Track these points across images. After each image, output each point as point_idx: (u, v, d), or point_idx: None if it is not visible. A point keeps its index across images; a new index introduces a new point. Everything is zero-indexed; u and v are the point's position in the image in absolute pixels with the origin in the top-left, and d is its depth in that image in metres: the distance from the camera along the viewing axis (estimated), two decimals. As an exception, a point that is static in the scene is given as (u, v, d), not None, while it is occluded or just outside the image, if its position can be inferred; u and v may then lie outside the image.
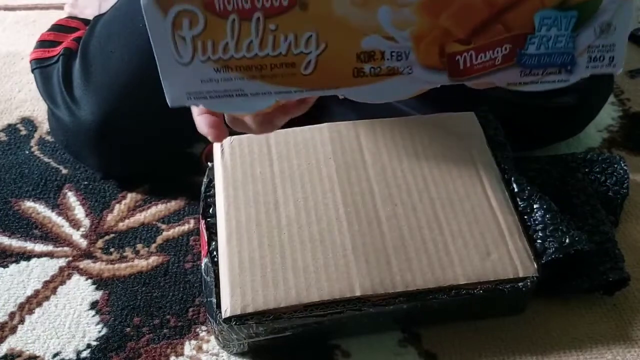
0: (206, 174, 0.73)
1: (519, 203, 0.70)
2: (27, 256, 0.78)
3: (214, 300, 0.63)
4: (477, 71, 0.39)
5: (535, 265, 0.64)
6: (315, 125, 0.74)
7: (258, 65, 0.40)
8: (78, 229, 0.81)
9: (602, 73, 0.39)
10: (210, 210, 0.70)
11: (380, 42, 0.39)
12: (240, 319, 0.61)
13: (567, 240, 0.68)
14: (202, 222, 0.69)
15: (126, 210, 0.84)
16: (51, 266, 0.77)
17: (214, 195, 0.71)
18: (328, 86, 0.41)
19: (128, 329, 0.70)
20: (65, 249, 0.79)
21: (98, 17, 0.90)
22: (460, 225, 0.67)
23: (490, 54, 0.39)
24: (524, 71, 0.39)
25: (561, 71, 0.39)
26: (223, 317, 0.61)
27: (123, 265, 0.77)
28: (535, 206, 0.70)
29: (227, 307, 0.61)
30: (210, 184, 0.72)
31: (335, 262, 0.63)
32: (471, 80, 0.40)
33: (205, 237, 0.68)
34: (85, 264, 0.77)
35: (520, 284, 0.64)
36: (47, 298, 0.73)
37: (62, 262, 0.77)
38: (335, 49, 0.39)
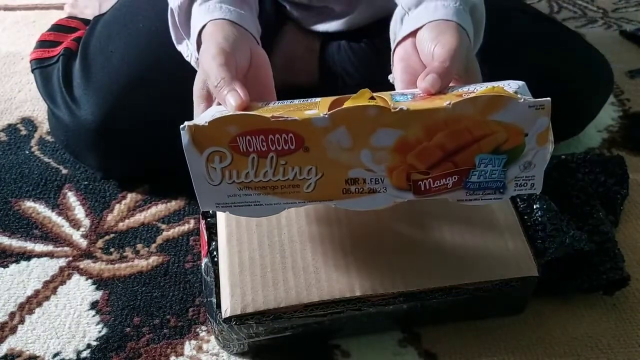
0: (206, 174, 0.73)
1: (519, 203, 0.70)
2: (27, 256, 0.78)
3: (214, 300, 0.63)
4: (434, 191, 0.53)
5: (535, 265, 0.64)
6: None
7: (271, 186, 0.53)
8: (78, 229, 0.81)
9: (525, 193, 0.53)
10: (211, 210, 0.70)
11: (362, 173, 0.52)
12: (240, 319, 0.61)
13: (567, 240, 0.68)
14: (202, 222, 0.69)
15: (126, 210, 0.84)
16: (51, 266, 0.77)
17: (214, 195, 0.71)
18: (323, 199, 0.54)
19: (128, 329, 0.70)
20: (66, 249, 0.79)
21: (98, 17, 0.90)
22: (460, 225, 0.66)
23: (443, 181, 0.52)
24: (469, 192, 0.53)
25: (496, 192, 0.53)
26: (223, 317, 0.61)
27: (123, 265, 0.77)
28: (535, 206, 0.70)
29: (227, 307, 0.61)
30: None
31: (335, 262, 0.63)
32: (431, 197, 0.53)
33: (205, 237, 0.68)
34: (85, 264, 0.77)
35: (520, 284, 0.64)
36: (47, 298, 0.73)
37: (62, 262, 0.77)
38: (329, 177, 0.53)
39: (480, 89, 0.52)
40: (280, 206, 0.54)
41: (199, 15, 0.65)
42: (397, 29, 0.64)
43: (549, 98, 0.49)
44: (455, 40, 0.56)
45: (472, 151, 0.51)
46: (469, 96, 0.49)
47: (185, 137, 0.52)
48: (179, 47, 0.72)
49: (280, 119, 0.50)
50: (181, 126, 0.51)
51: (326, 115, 0.50)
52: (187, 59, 0.72)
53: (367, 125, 0.50)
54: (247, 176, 0.53)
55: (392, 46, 0.63)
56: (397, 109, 0.49)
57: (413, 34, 0.60)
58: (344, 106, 0.50)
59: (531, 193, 0.54)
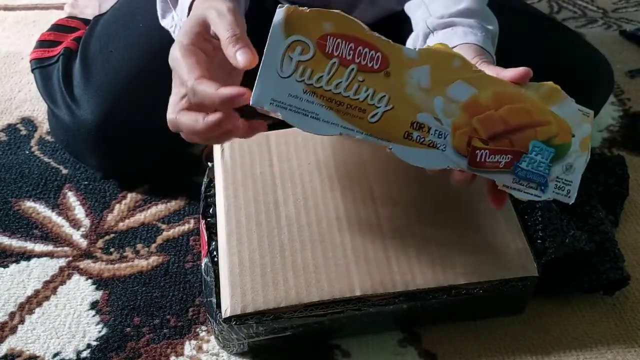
0: (206, 174, 0.73)
1: (519, 203, 0.70)
2: (27, 256, 0.78)
3: (214, 300, 0.63)
4: (487, 167, 0.53)
5: (535, 265, 0.64)
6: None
7: (338, 101, 0.52)
8: (78, 229, 0.81)
9: (560, 200, 0.54)
10: (211, 210, 0.70)
11: (430, 120, 0.52)
12: (240, 319, 0.61)
13: (567, 240, 0.68)
14: (202, 222, 0.69)
15: (126, 210, 0.84)
16: (51, 266, 0.77)
17: (214, 195, 0.71)
18: (382, 137, 0.52)
19: (128, 329, 0.70)
20: (66, 249, 0.79)
21: (98, 17, 0.90)
22: (460, 225, 0.67)
23: (497, 158, 0.53)
24: (515, 179, 0.54)
25: (537, 188, 0.53)
26: (223, 317, 0.61)
27: (123, 265, 0.77)
28: (535, 206, 0.70)
29: (227, 307, 0.61)
30: (211, 184, 0.72)
31: (335, 262, 0.63)
32: (481, 173, 0.53)
33: (205, 237, 0.68)
34: (85, 264, 0.77)
35: (519, 283, 0.64)
36: (47, 298, 0.73)
37: (62, 262, 0.77)
38: (398, 112, 0.52)
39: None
40: (336, 128, 0.51)
41: None
42: (418, 45, 0.65)
43: (592, 111, 0.55)
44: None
45: (529, 134, 0.53)
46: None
47: (279, 16, 0.50)
48: (164, 22, 0.70)
49: (376, 34, 0.51)
50: (279, 5, 0.50)
51: (416, 51, 0.52)
52: (171, 29, 0.69)
53: (448, 73, 0.53)
54: (319, 80, 0.51)
55: None
56: (477, 69, 0.54)
57: None
58: (433, 47, 0.53)
59: (565, 202, 0.54)
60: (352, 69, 0.51)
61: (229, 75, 0.59)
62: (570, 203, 0.54)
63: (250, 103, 0.51)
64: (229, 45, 0.53)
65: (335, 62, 0.51)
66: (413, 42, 0.68)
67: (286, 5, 0.50)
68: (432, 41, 0.65)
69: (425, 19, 0.66)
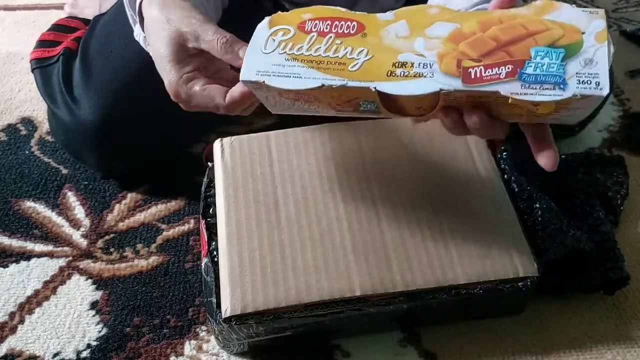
0: (206, 174, 0.73)
1: (519, 203, 0.70)
2: (27, 256, 0.78)
3: (214, 300, 0.63)
4: (485, 81, 0.49)
5: (535, 265, 0.64)
6: (315, 126, 0.74)
7: (318, 61, 0.53)
8: (78, 229, 0.81)
9: (591, 94, 0.48)
10: (211, 210, 0.70)
11: (412, 57, 0.52)
12: (240, 319, 0.61)
13: (567, 240, 0.68)
14: (202, 222, 0.69)
15: (126, 210, 0.84)
16: (51, 266, 0.77)
17: (214, 195, 0.71)
18: (365, 79, 0.52)
19: (128, 329, 0.70)
20: (65, 249, 0.79)
21: (98, 17, 0.90)
22: (460, 225, 0.66)
23: (495, 70, 0.50)
24: (524, 85, 0.49)
25: (555, 88, 0.49)
26: (223, 317, 0.61)
27: (123, 265, 0.77)
28: (535, 206, 0.70)
29: (227, 307, 0.61)
30: (211, 184, 0.72)
31: (335, 261, 0.63)
32: (480, 87, 0.49)
33: (205, 237, 0.68)
34: (85, 264, 0.77)
35: (520, 283, 0.63)
36: (47, 298, 0.73)
37: (62, 262, 0.77)
38: (378, 59, 0.53)
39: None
40: (317, 81, 0.52)
41: None
42: None
43: (602, 9, 0.51)
44: None
45: (527, 43, 0.50)
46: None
47: (264, 20, 0.56)
48: (135, 30, 0.70)
49: (351, 12, 0.55)
50: (265, 18, 0.56)
51: (391, 12, 0.55)
52: (137, 38, 0.70)
53: (426, 19, 0.54)
54: (300, 49, 0.54)
55: None
56: (457, 10, 0.54)
57: None
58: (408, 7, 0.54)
59: (598, 95, 0.48)
60: (330, 37, 0.54)
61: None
62: (605, 94, 0.48)
63: (240, 79, 0.54)
64: (228, 48, 0.56)
65: (314, 36, 0.54)
66: None
67: (268, 18, 0.56)
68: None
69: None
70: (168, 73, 0.58)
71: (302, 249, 0.64)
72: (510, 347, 0.68)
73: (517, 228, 0.67)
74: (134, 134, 0.80)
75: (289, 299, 0.61)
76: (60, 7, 1.21)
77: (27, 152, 0.92)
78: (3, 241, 0.80)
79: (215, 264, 0.65)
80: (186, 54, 0.58)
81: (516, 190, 0.71)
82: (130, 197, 0.85)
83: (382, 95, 0.52)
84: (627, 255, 0.73)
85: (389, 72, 0.52)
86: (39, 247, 0.79)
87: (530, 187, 0.72)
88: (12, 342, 0.69)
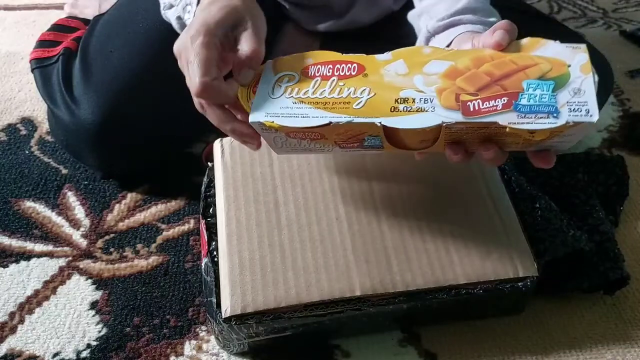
0: (206, 174, 0.73)
1: (519, 203, 0.70)
2: (27, 256, 0.78)
3: (214, 300, 0.63)
4: (483, 113, 0.52)
5: (535, 265, 0.64)
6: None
7: (324, 102, 0.56)
8: (78, 229, 0.81)
9: (582, 121, 0.51)
10: (211, 210, 0.70)
11: (413, 93, 0.55)
12: (240, 319, 0.61)
13: (567, 240, 0.68)
14: (202, 221, 0.69)
15: (126, 210, 0.84)
16: (51, 266, 0.77)
17: (214, 195, 0.71)
18: (370, 115, 0.54)
19: (128, 329, 0.70)
20: (65, 248, 0.79)
21: (98, 17, 0.90)
22: (460, 225, 0.66)
23: (492, 102, 0.52)
24: (520, 115, 0.52)
25: (549, 116, 0.51)
26: (223, 317, 0.61)
27: (123, 265, 0.77)
28: (535, 206, 0.70)
29: (227, 307, 0.61)
30: (211, 184, 0.72)
31: (335, 261, 0.63)
32: (480, 119, 0.52)
33: (206, 237, 0.68)
34: (85, 263, 0.77)
35: (520, 283, 0.64)
36: (47, 298, 0.73)
37: (62, 262, 0.77)
38: (381, 96, 0.55)
39: None
40: (325, 119, 0.55)
41: None
42: None
43: (584, 44, 0.55)
44: None
45: (519, 77, 0.54)
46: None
47: (268, 64, 0.60)
48: (168, 13, 0.70)
49: (351, 54, 0.59)
50: (268, 61, 0.59)
51: (389, 53, 0.58)
52: (175, 19, 0.69)
53: (422, 58, 0.57)
54: (306, 93, 0.57)
55: None
56: (449, 49, 0.58)
57: None
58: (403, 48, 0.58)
59: (589, 122, 0.51)
60: (333, 80, 0.58)
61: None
62: (594, 121, 0.50)
63: (249, 120, 0.57)
64: (244, 61, 0.58)
65: (318, 80, 0.58)
66: None
67: (270, 61, 0.60)
68: (433, 44, 0.65)
69: (426, 24, 0.66)
70: (205, 23, 0.57)
71: (302, 249, 0.64)
72: (510, 347, 0.68)
73: (517, 228, 0.67)
74: (133, 134, 0.80)
75: (289, 299, 0.61)
76: (60, 7, 1.21)
77: (27, 152, 0.92)
78: (3, 241, 0.80)
79: (215, 264, 0.65)
80: (229, 27, 0.59)
81: (516, 190, 0.72)
82: (130, 197, 0.85)
83: (387, 130, 0.55)
84: (627, 255, 0.73)
85: (392, 108, 0.54)
86: (39, 247, 0.79)
87: (530, 187, 0.72)
88: (12, 342, 0.69)
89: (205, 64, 0.56)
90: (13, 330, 0.70)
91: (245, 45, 0.58)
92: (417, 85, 0.55)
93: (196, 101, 0.59)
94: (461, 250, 0.65)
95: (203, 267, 0.66)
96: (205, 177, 0.73)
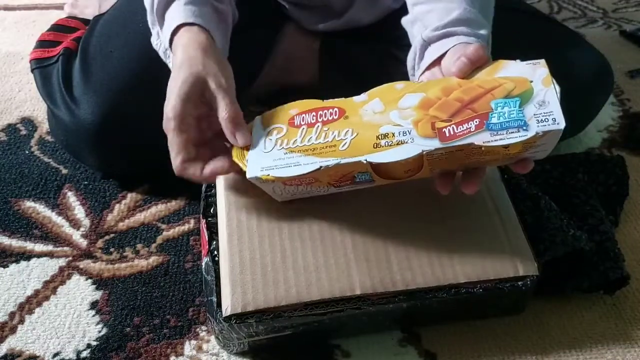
0: (206, 173, 0.73)
1: (519, 203, 0.70)
2: (27, 256, 0.78)
3: (215, 299, 0.63)
4: (459, 136, 0.56)
5: (535, 264, 0.64)
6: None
7: (312, 148, 0.61)
8: (78, 229, 0.81)
9: (550, 129, 0.55)
10: (211, 210, 0.70)
11: (392, 128, 0.59)
12: (240, 317, 0.61)
13: (567, 240, 0.68)
14: (203, 221, 0.69)
15: (126, 210, 0.84)
16: (51, 266, 0.77)
17: (214, 195, 0.71)
18: (356, 155, 0.58)
19: (128, 329, 0.70)
20: (65, 249, 0.79)
21: (98, 17, 0.90)
22: (460, 225, 0.66)
23: (465, 126, 0.57)
24: (492, 133, 0.56)
25: (519, 130, 0.55)
26: (224, 316, 0.61)
27: (123, 265, 0.77)
28: (535, 206, 0.70)
29: (228, 306, 0.61)
30: (211, 184, 0.72)
31: (335, 260, 0.64)
32: (457, 142, 0.56)
33: (206, 237, 0.68)
34: (85, 263, 0.77)
35: (520, 282, 0.64)
36: (47, 298, 0.73)
37: (62, 262, 0.77)
38: (363, 135, 0.59)
39: None
40: (315, 165, 0.59)
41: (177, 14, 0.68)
42: (417, 60, 0.68)
43: (542, 59, 0.59)
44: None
45: (487, 98, 0.58)
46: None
47: (257, 119, 0.64)
48: (156, 38, 0.73)
49: (331, 100, 0.63)
50: (256, 117, 0.64)
51: (365, 94, 0.62)
52: (155, 45, 0.73)
53: (395, 94, 0.61)
54: (295, 142, 0.61)
55: (416, 74, 0.69)
56: (420, 82, 0.62)
57: (437, 62, 0.65)
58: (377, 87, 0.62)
59: (557, 129, 0.55)
60: (318, 126, 0.62)
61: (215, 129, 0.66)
62: (562, 127, 0.55)
63: (247, 177, 0.61)
64: (229, 125, 0.62)
65: (304, 128, 0.62)
66: (412, 57, 0.69)
67: (257, 117, 0.65)
68: (429, 53, 0.67)
69: (421, 33, 0.67)
70: (172, 105, 0.63)
71: (303, 248, 0.64)
72: (510, 347, 0.68)
73: (517, 228, 0.67)
74: (133, 134, 0.80)
75: (289, 298, 0.61)
76: (60, 7, 1.21)
77: (27, 152, 0.92)
78: (3, 241, 0.80)
79: (215, 264, 0.65)
80: (197, 97, 0.64)
81: (516, 190, 0.71)
82: (130, 197, 0.85)
83: (374, 166, 0.59)
84: (627, 255, 0.73)
85: (375, 145, 0.58)
86: (39, 247, 0.79)
87: (530, 187, 0.72)
88: (12, 342, 0.69)
89: (178, 148, 0.63)
90: (13, 330, 0.70)
91: (220, 111, 0.63)
92: (394, 120, 0.59)
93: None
94: (461, 249, 0.65)
95: (203, 266, 0.66)
96: (206, 176, 0.73)
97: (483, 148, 0.55)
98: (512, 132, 0.55)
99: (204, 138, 0.65)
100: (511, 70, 0.59)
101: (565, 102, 0.84)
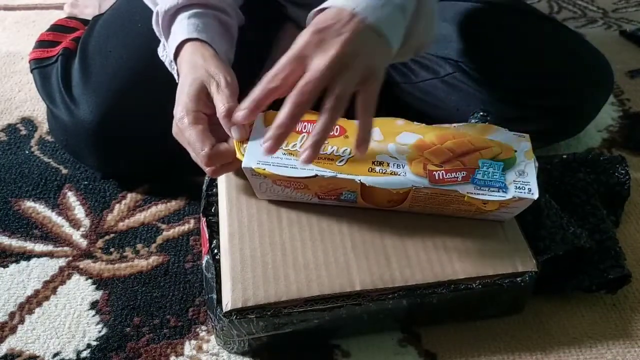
0: (207, 173, 0.73)
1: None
2: (27, 256, 0.78)
3: (215, 296, 0.63)
4: (447, 182, 0.62)
5: (534, 261, 0.64)
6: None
7: None
8: (78, 229, 0.81)
9: (525, 197, 0.62)
10: (212, 209, 0.70)
11: (387, 158, 0.64)
12: (241, 313, 0.61)
13: (567, 237, 0.68)
14: (203, 219, 0.69)
15: (126, 210, 0.84)
16: (51, 266, 0.77)
17: (215, 194, 0.71)
18: (351, 173, 0.62)
19: (128, 329, 0.70)
20: (65, 248, 0.79)
21: (97, 17, 0.90)
22: (459, 222, 0.67)
23: (454, 174, 0.63)
24: (476, 187, 0.63)
25: (499, 191, 0.62)
26: (224, 311, 0.61)
27: (123, 265, 0.77)
28: (535, 204, 0.70)
29: (228, 301, 0.61)
30: (213, 183, 0.72)
31: (335, 259, 0.64)
32: (443, 187, 0.62)
33: (207, 235, 0.68)
34: (85, 263, 0.77)
35: (518, 278, 0.64)
36: (47, 298, 0.73)
37: (62, 262, 0.77)
38: (359, 157, 0.63)
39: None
40: (311, 171, 0.62)
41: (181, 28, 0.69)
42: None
43: (527, 134, 0.67)
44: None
45: (476, 156, 0.64)
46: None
47: (259, 118, 0.64)
48: (163, 49, 0.74)
49: None
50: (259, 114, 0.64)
51: None
52: (161, 56, 0.73)
53: (395, 128, 0.66)
54: (294, 146, 0.63)
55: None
56: (419, 124, 0.66)
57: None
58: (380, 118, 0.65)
59: (530, 198, 0.62)
60: None
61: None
62: (535, 198, 0.62)
63: (242, 166, 0.62)
64: (225, 119, 0.62)
65: (305, 135, 0.64)
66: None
67: (262, 113, 0.64)
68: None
69: None
70: (184, 104, 0.64)
71: (303, 247, 0.65)
72: (510, 347, 0.68)
73: (515, 224, 0.67)
74: (133, 134, 0.80)
75: (289, 294, 0.61)
76: (60, 7, 1.21)
77: (27, 152, 0.92)
78: (3, 241, 0.80)
79: (216, 261, 0.65)
80: (205, 97, 0.65)
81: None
82: (130, 197, 0.85)
83: (363, 188, 0.62)
84: (627, 255, 0.73)
85: (370, 169, 0.63)
86: (39, 247, 0.79)
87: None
88: (12, 342, 0.69)
89: (201, 137, 0.63)
90: (13, 330, 0.70)
91: (218, 107, 0.63)
92: (390, 152, 0.64)
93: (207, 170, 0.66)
94: (460, 246, 0.65)
95: (204, 264, 0.66)
96: (207, 176, 0.73)
97: (466, 198, 0.62)
98: (493, 191, 0.62)
99: (217, 137, 0.65)
100: (499, 135, 0.66)
101: (565, 103, 0.85)
